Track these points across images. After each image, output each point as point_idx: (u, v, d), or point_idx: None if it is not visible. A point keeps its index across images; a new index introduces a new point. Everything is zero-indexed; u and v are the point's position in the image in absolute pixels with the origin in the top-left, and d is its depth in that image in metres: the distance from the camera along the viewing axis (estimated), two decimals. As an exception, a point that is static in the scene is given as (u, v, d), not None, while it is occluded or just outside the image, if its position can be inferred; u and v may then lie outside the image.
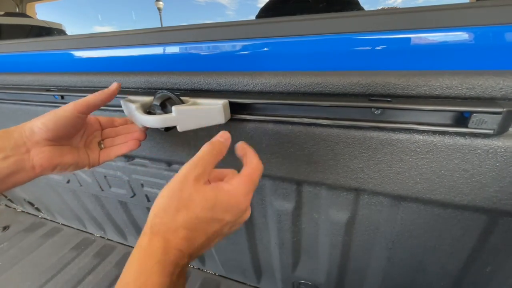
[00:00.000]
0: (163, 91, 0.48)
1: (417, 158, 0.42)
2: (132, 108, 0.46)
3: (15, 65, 0.77)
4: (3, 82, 0.74)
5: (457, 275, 0.60)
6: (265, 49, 0.49)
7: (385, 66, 0.43)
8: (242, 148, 0.38)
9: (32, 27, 1.49)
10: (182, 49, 0.56)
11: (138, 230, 1.07)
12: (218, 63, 0.54)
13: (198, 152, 0.34)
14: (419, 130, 0.40)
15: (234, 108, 0.48)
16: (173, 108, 0.43)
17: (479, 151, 0.38)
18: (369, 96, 0.41)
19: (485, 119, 0.35)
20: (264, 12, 0.85)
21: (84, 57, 0.66)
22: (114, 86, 0.44)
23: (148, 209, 0.91)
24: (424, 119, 0.40)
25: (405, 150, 0.42)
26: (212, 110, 0.45)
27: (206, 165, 0.33)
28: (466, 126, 0.36)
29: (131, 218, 1.02)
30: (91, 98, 0.41)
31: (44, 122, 0.37)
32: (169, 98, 0.46)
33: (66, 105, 0.39)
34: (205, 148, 0.35)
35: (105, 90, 0.43)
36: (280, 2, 0.83)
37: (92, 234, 1.33)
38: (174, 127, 0.45)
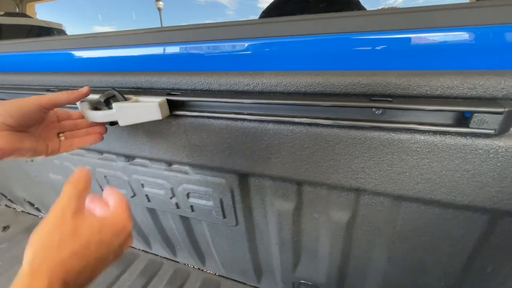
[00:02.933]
0: (109, 89, 0.53)
1: (418, 158, 0.42)
2: (82, 106, 0.50)
3: (15, 65, 0.77)
4: (3, 82, 0.74)
5: (458, 275, 0.60)
6: (266, 49, 0.49)
7: (386, 66, 0.43)
8: (108, 192, 0.40)
9: (32, 27, 1.48)
10: (182, 49, 0.56)
11: (138, 230, 1.07)
12: (218, 63, 0.54)
13: (62, 194, 0.34)
14: (420, 130, 0.40)
15: (175, 105, 0.52)
16: (114, 104, 0.48)
17: (480, 151, 0.38)
18: (370, 96, 0.41)
19: (486, 119, 0.35)
20: (266, 14, 0.85)
21: (84, 57, 0.66)
22: (85, 89, 0.47)
23: (149, 209, 0.91)
24: (425, 119, 0.40)
25: (406, 150, 0.42)
26: (148, 106, 0.48)
27: (78, 199, 0.33)
28: (467, 126, 0.36)
29: (131, 218, 1.02)
30: (57, 96, 0.44)
31: (6, 109, 0.39)
32: (113, 96, 0.51)
33: (31, 97, 0.42)
34: (67, 187, 0.34)
35: (75, 91, 0.46)
36: (282, 3, 0.83)
37: (92, 234, 1.32)
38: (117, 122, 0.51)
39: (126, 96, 0.52)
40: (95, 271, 0.32)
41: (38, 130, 0.46)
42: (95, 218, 0.34)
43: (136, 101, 0.51)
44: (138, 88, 0.57)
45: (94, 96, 0.51)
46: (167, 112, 0.52)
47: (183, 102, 0.53)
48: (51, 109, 0.45)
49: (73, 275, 0.28)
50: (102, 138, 0.54)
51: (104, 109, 0.51)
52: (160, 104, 0.49)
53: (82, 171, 0.37)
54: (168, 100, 0.51)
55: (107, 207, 0.38)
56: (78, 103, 0.51)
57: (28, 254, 0.29)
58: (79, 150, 0.83)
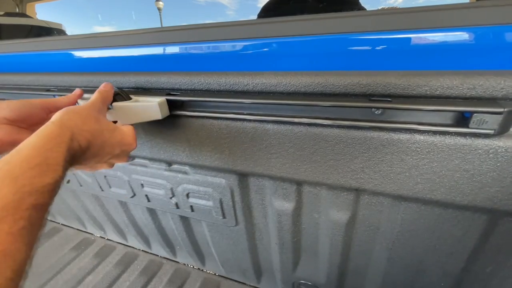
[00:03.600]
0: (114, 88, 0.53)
1: (418, 158, 0.42)
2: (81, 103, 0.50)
3: (15, 65, 0.77)
4: (3, 82, 0.74)
5: (458, 275, 0.60)
6: (265, 49, 0.49)
7: (386, 66, 0.43)
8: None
9: (32, 27, 1.48)
10: (182, 49, 0.56)
11: (138, 230, 1.07)
12: (218, 63, 0.54)
13: (92, 98, 0.43)
14: (420, 130, 0.40)
15: (174, 105, 0.53)
16: (113, 104, 0.49)
17: (479, 151, 0.38)
18: (369, 96, 0.41)
19: (486, 119, 0.35)
20: (265, 12, 0.85)
21: (84, 57, 0.66)
22: (77, 91, 0.51)
23: (148, 209, 0.91)
24: (425, 119, 0.40)
25: (406, 150, 0.42)
26: (148, 106, 0.49)
27: (102, 103, 0.43)
28: (467, 126, 0.36)
29: (131, 218, 1.02)
30: (61, 100, 0.47)
31: (9, 104, 0.41)
32: (116, 95, 0.50)
33: (36, 99, 0.45)
34: (96, 95, 0.44)
35: (71, 95, 0.50)
36: (281, 1, 0.83)
37: (92, 234, 1.33)
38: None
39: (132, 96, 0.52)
40: (94, 156, 0.38)
41: (38, 126, 0.47)
42: (112, 123, 0.42)
43: (136, 101, 0.51)
44: (138, 88, 0.57)
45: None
46: (166, 112, 0.52)
47: (182, 102, 0.53)
48: (53, 111, 0.45)
49: (85, 144, 0.35)
50: None
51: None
52: (160, 104, 0.49)
53: (107, 86, 0.47)
54: (168, 100, 0.51)
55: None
56: (79, 102, 0.52)
57: (58, 115, 0.35)
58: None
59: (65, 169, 0.31)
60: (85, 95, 0.51)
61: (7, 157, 0.27)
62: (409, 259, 0.62)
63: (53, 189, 0.28)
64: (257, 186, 0.65)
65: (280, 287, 0.93)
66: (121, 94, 0.51)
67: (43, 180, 0.27)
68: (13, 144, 0.40)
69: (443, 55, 0.40)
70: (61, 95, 0.64)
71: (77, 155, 0.34)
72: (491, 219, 0.47)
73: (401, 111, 0.40)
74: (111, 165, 0.45)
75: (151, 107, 0.49)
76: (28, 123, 0.43)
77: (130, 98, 0.51)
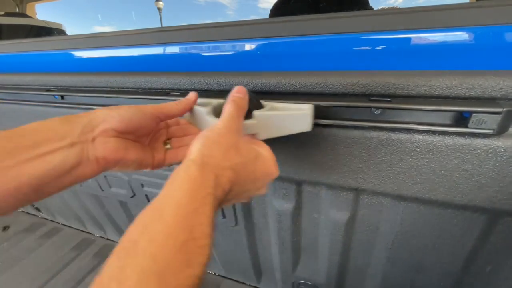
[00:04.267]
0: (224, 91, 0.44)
1: (417, 158, 0.42)
2: (202, 112, 0.40)
3: (15, 65, 0.77)
4: (3, 82, 0.74)
5: (457, 275, 0.60)
6: (265, 49, 0.49)
7: (385, 66, 0.43)
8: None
9: (32, 27, 1.49)
10: (182, 49, 0.56)
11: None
12: (218, 63, 0.54)
13: (224, 111, 0.34)
14: (419, 130, 0.40)
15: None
16: (255, 113, 0.38)
17: (479, 151, 0.38)
18: (369, 96, 0.41)
19: (485, 119, 0.35)
20: (274, 11, 0.85)
21: (84, 57, 0.67)
22: (192, 96, 0.41)
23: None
24: (424, 119, 0.40)
25: (405, 150, 0.42)
26: (298, 116, 0.40)
27: (239, 118, 0.34)
28: (466, 126, 0.36)
29: (131, 218, 1.02)
30: (171, 107, 0.38)
31: (120, 112, 0.34)
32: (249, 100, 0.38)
33: (146, 105, 0.37)
34: (230, 107, 0.34)
35: (183, 100, 0.40)
36: (290, 0, 0.83)
37: (92, 234, 1.33)
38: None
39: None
40: (238, 195, 0.32)
41: (146, 137, 0.40)
42: (253, 146, 0.34)
43: (273, 108, 0.41)
44: (138, 88, 0.57)
45: (206, 100, 0.43)
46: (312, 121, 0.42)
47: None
48: (163, 119, 0.39)
49: (227, 187, 0.28)
50: None
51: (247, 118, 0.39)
52: (312, 113, 0.40)
53: (241, 90, 0.36)
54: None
55: (256, 144, 0.36)
56: (196, 108, 0.42)
57: (196, 148, 0.29)
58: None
59: (212, 244, 0.24)
60: (199, 100, 0.42)
61: (147, 224, 0.22)
62: (409, 259, 0.62)
63: (198, 283, 0.21)
64: (257, 186, 0.65)
65: (280, 287, 0.93)
66: (252, 100, 0.38)
67: (188, 272, 0.21)
68: (116, 163, 0.34)
69: (442, 55, 0.40)
70: (61, 95, 0.64)
71: (217, 205, 0.27)
72: (490, 218, 0.48)
73: (401, 111, 0.40)
74: (248, 199, 0.36)
75: (302, 116, 0.39)
76: (136, 135, 0.37)
77: (260, 103, 0.41)
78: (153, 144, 0.40)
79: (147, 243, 0.20)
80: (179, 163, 0.30)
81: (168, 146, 0.41)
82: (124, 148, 0.34)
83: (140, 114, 0.35)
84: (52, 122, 0.31)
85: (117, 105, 0.36)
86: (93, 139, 0.32)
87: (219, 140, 0.30)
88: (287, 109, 0.41)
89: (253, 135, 0.39)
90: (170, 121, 0.43)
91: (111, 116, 0.34)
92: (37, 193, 0.28)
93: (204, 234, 0.23)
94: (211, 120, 0.39)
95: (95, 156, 0.32)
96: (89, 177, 0.33)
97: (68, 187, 0.32)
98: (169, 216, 0.22)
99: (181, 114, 0.40)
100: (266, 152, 0.35)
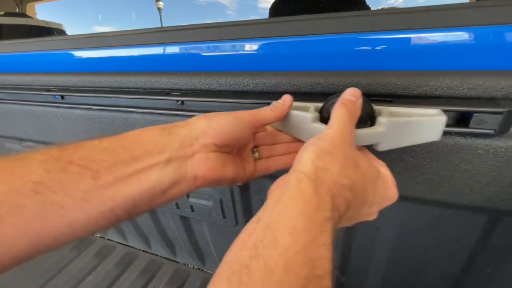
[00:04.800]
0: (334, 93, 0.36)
1: (418, 158, 0.42)
2: (305, 118, 0.34)
3: (15, 65, 0.77)
4: (3, 82, 0.74)
5: (458, 275, 0.60)
6: (266, 49, 0.49)
7: (386, 66, 0.43)
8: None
9: (32, 27, 1.48)
10: (182, 49, 0.56)
11: (138, 230, 1.07)
12: (218, 63, 0.54)
13: (334, 117, 0.28)
14: (420, 130, 0.40)
15: None
16: (381, 119, 0.31)
17: (479, 151, 0.38)
18: (369, 96, 0.41)
19: (486, 119, 0.35)
20: (273, 10, 0.85)
21: (84, 57, 0.66)
22: (287, 100, 0.34)
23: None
24: (425, 119, 0.40)
25: (406, 149, 0.42)
26: (428, 123, 0.33)
27: (352, 126, 0.28)
28: (467, 126, 0.36)
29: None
30: (267, 114, 0.33)
31: (219, 122, 0.30)
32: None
33: (242, 112, 0.32)
34: (341, 113, 0.28)
35: (278, 105, 0.34)
36: (290, 1, 0.83)
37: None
38: None
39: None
40: (350, 219, 0.27)
41: (238, 150, 0.35)
42: (372, 164, 0.29)
43: (391, 114, 0.35)
44: (138, 88, 0.57)
45: (302, 104, 0.39)
46: None
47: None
48: (258, 127, 0.34)
49: (343, 209, 0.24)
50: None
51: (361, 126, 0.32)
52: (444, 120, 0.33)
53: (356, 93, 0.30)
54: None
55: (374, 159, 0.31)
56: (291, 113, 0.36)
57: (311, 158, 0.23)
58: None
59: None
60: (295, 103, 0.36)
61: (259, 246, 0.19)
62: (409, 259, 0.62)
63: None
64: (257, 186, 0.65)
65: (280, 287, 0.93)
66: (365, 105, 0.32)
67: None
68: (214, 181, 0.30)
69: (443, 55, 0.40)
70: (61, 95, 0.64)
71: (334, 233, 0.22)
72: (491, 219, 0.47)
73: (401, 111, 0.40)
74: (353, 223, 0.31)
75: (435, 124, 0.33)
76: (232, 147, 0.32)
77: (373, 109, 0.34)
78: (241, 153, 0.36)
79: (263, 272, 0.17)
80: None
81: (256, 155, 0.37)
82: (222, 165, 0.30)
83: (240, 123, 0.31)
84: (152, 132, 0.28)
85: (214, 112, 0.32)
86: (192, 155, 0.28)
87: (334, 152, 0.24)
88: (411, 115, 0.34)
89: (362, 147, 0.33)
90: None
91: (213, 128, 0.29)
92: (129, 214, 0.25)
93: (326, 271, 0.19)
94: (316, 127, 0.33)
95: (194, 174, 0.28)
96: (181, 196, 0.30)
97: (158, 207, 0.29)
98: (285, 242, 0.18)
99: (276, 121, 0.34)
100: (386, 171, 0.30)
